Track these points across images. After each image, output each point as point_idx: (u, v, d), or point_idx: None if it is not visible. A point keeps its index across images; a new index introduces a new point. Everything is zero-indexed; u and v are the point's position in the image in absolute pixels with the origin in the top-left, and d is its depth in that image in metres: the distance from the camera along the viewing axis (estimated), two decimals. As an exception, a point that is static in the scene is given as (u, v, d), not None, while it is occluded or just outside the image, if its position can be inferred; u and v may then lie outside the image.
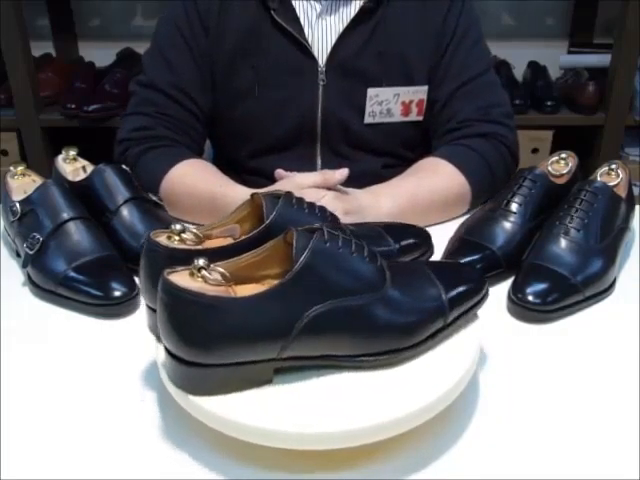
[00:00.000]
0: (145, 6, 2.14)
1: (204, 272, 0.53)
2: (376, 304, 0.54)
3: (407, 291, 0.57)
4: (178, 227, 0.61)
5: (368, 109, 1.03)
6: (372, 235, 0.73)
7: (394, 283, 0.56)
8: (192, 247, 0.61)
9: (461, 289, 0.59)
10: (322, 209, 0.69)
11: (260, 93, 1.01)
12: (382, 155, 1.08)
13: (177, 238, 0.61)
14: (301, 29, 0.99)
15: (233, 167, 1.10)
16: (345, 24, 0.99)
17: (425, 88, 1.03)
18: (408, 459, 0.55)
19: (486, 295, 0.62)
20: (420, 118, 1.06)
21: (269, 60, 0.99)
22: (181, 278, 0.52)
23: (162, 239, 0.61)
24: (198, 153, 1.07)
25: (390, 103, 1.03)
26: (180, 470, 0.54)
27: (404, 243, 0.75)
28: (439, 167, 0.96)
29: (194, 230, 0.63)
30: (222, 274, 0.54)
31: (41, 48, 2.01)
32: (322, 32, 1.00)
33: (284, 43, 0.99)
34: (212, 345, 0.51)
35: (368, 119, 1.04)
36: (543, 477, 0.54)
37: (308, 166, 1.04)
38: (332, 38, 0.99)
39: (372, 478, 0.54)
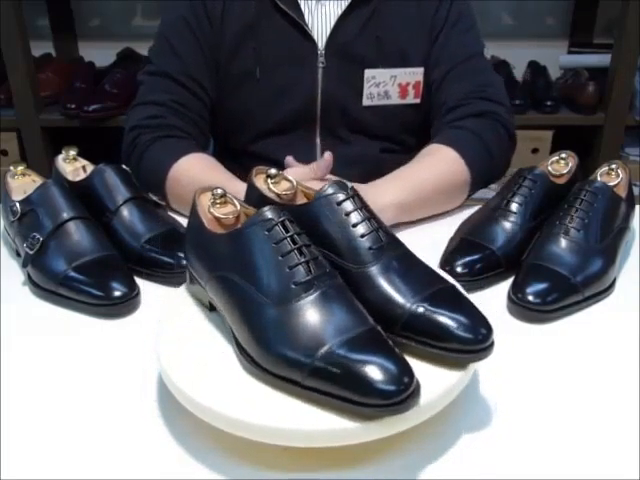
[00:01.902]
0: (145, 6, 2.14)
1: (213, 201, 0.64)
2: (262, 312, 0.54)
3: (293, 326, 0.53)
4: (272, 171, 0.68)
5: (366, 91, 1.05)
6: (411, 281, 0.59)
7: (298, 312, 0.53)
8: (270, 196, 0.67)
9: (334, 375, 0.50)
10: (377, 224, 0.61)
11: (261, 76, 1.03)
12: (381, 139, 1.10)
13: (272, 181, 0.68)
14: (301, 13, 1.02)
15: (232, 153, 1.12)
16: (343, 8, 1.02)
17: (421, 70, 1.06)
18: (408, 459, 0.55)
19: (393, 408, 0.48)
20: (418, 101, 1.08)
21: (270, 43, 1.02)
22: (205, 198, 0.65)
23: (260, 180, 0.69)
24: (205, 143, 1.09)
25: (387, 85, 1.05)
26: (180, 469, 0.54)
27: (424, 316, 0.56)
28: (440, 153, 0.96)
29: (291, 179, 0.68)
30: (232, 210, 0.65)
31: (41, 48, 2.01)
32: (321, 16, 1.03)
33: (285, 27, 1.02)
34: (187, 253, 0.65)
35: (366, 101, 1.06)
36: (543, 477, 0.54)
37: (308, 150, 1.07)
38: (331, 22, 1.03)
39: (372, 478, 0.54)
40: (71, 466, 0.54)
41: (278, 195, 0.68)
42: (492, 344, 0.55)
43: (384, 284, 0.58)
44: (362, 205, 0.62)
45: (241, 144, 1.10)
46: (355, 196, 0.62)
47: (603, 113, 1.86)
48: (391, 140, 1.11)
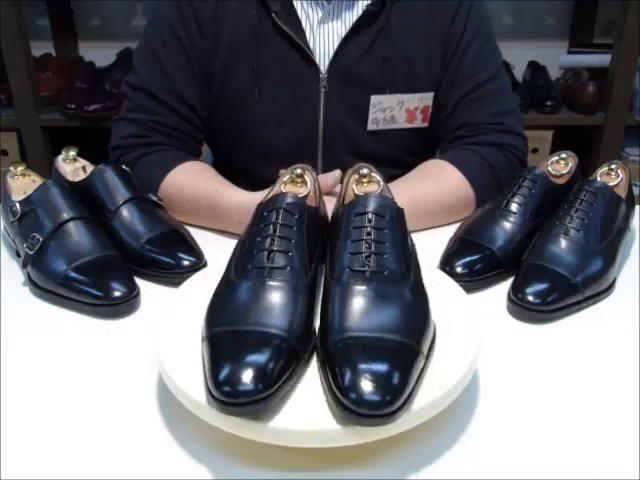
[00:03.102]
0: (145, 6, 2.14)
1: (291, 178, 0.69)
2: (224, 279, 0.59)
3: (228, 299, 0.56)
4: (364, 171, 0.68)
5: (371, 116, 1.00)
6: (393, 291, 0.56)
7: (239, 291, 0.56)
8: (348, 193, 0.68)
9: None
10: (376, 249, 0.58)
11: (260, 97, 0.99)
12: (385, 165, 1.04)
13: (365, 180, 0.68)
14: (303, 34, 0.96)
15: (234, 172, 1.08)
16: (348, 28, 0.95)
17: (430, 95, 1.01)
18: (408, 459, 0.55)
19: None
20: (425, 125, 1.03)
21: (270, 63, 0.97)
22: (285, 176, 0.69)
23: (352, 178, 0.69)
24: (196, 154, 1.05)
25: (394, 110, 1.00)
26: (180, 469, 0.54)
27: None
28: (445, 171, 0.94)
29: (379, 180, 0.68)
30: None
31: (41, 48, 2.01)
32: (324, 37, 0.97)
33: (285, 47, 0.96)
34: None
35: (371, 126, 1.01)
36: (543, 477, 0.54)
37: None
38: (334, 44, 0.96)
39: (372, 478, 0.54)
40: (71, 466, 0.54)
41: (355, 195, 0.67)
42: (383, 416, 0.48)
43: (337, 308, 0.55)
44: (381, 226, 0.59)
45: (244, 160, 1.06)
46: (379, 215, 0.59)
47: (603, 113, 1.86)
48: (396, 164, 1.05)
